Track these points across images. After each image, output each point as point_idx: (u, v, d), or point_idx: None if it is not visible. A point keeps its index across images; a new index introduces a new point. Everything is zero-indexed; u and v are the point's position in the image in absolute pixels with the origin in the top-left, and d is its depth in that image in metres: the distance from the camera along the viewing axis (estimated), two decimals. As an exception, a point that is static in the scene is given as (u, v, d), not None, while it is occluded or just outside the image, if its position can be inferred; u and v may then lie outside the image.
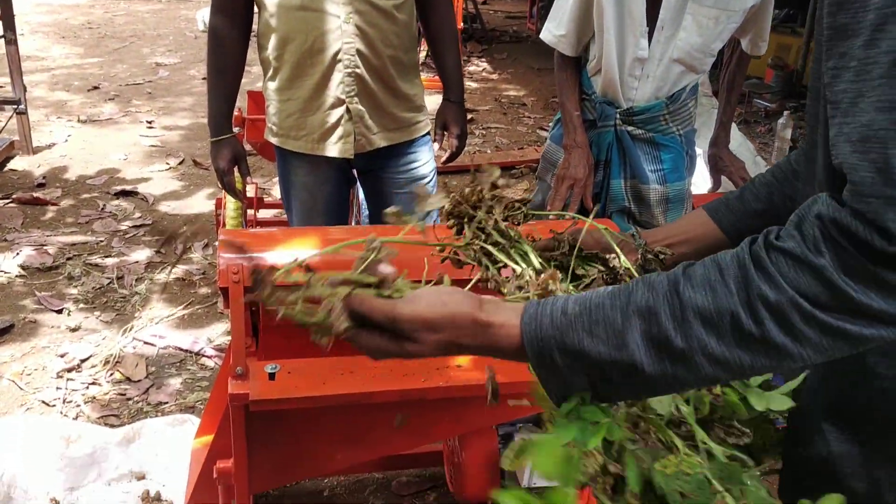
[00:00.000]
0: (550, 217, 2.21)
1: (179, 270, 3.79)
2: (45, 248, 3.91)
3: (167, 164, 5.25)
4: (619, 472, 0.82)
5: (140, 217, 4.40)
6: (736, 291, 0.75)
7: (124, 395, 2.86)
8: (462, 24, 8.22)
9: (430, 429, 2.00)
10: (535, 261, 1.10)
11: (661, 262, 1.15)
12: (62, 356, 3.05)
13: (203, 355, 3.12)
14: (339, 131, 2.26)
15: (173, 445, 2.41)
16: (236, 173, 2.38)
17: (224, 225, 3.21)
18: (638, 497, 0.81)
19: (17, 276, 3.64)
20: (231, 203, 3.18)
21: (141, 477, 2.33)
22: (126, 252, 3.95)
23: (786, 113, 5.42)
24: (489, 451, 2.10)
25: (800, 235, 0.74)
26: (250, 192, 3.51)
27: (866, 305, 0.71)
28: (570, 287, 1.09)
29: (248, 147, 3.01)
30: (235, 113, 3.10)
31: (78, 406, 2.79)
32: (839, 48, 0.75)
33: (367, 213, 2.90)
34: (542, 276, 1.03)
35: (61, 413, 2.74)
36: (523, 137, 6.10)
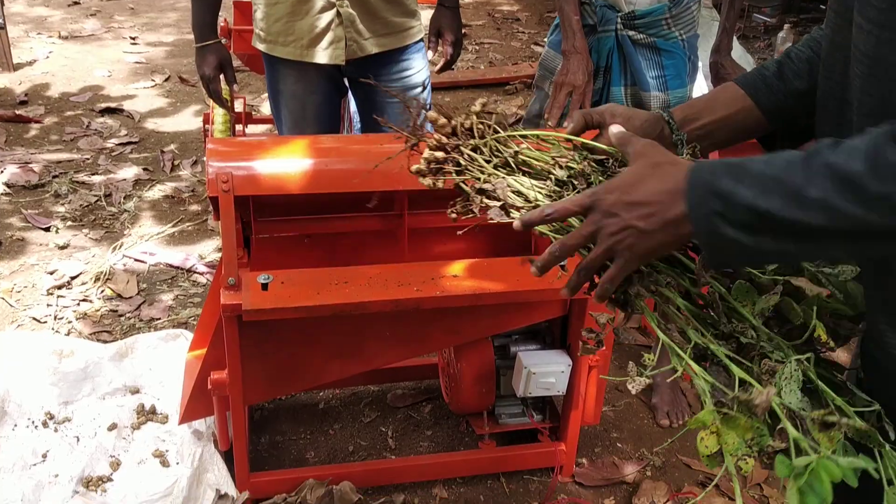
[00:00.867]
0: (548, 125, 2.16)
1: (168, 188, 3.72)
2: (29, 165, 3.82)
3: (152, 80, 5.12)
4: None
5: (126, 134, 4.30)
6: (866, 154, 0.78)
7: (116, 311, 2.84)
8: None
9: (425, 340, 1.99)
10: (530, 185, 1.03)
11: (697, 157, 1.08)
12: (52, 273, 3.01)
13: (194, 272, 3.08)
14: (329, 36, 2.18)
15: (167, 360, 2.40)
16: (223, 82, 2.31)
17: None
18: None
19: (2, 193, 3.57)
20: (219, 114, 3.10)
21: (135, 391, 2.32)
22: (113, 170, 3.88)
23: (786, 27, 5.29)
24: (484, 363, 2.10)
25: None
26: (238, 107, 3.42)
27: None
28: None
29: (236, 63, 2.91)
30: (221, 24, 3.00)
31: (69, 322, 2.77)
32: None
33: (358, 126, 2.83)
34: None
35: (53, 330, 2.72)
36: (517, 53, 5.96)
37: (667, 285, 0.95)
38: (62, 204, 3.52)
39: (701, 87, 2.94)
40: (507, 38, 6.38)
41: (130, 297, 2.91)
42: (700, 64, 2.56)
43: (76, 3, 6.81)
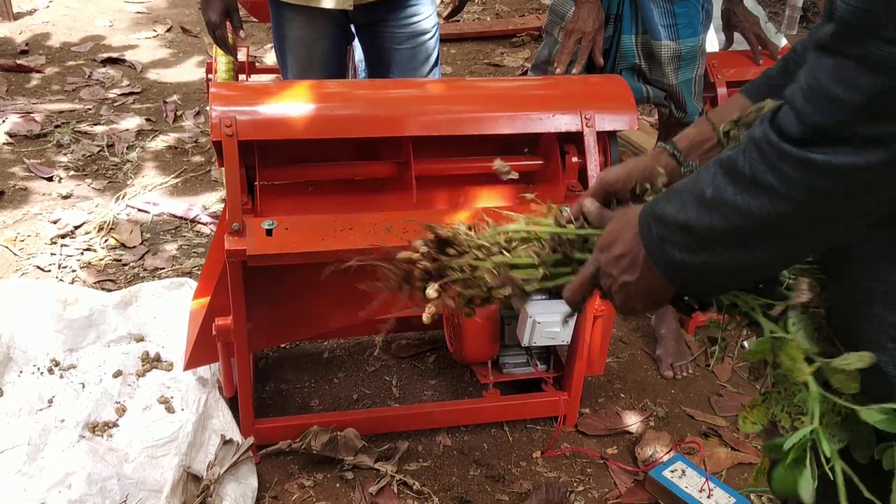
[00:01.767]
0: (556, 72, 2.13)
1: (171, 138, 3.70)
2: (31, 115, 3.79)
3: (154, 31, 5.05)
4: None
5: (128, 85, 4.26)
6: (745, 146, 0.82)
7: (120, 260, 2.83)
8: None
9: (430, 288, 1.97)
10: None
11: None
12: (55, 222, 3.00)
13: (198, 222, 3.07)
14: (334, -21, 2.13)
15: (171, 308, 2.39)
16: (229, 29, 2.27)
17: (215, 88, 3.10)
18: None
19: (4, 143, 3.55)
20: (221, 63, 3.05)
21: (140, 339, 2.32)
22: (115, 120, 3.84)
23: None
24: (488, 313, 2.09)
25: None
26: (241, 56, 3.37)
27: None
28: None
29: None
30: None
31: (73, 271, 2.76)
32: None
33: (363, 75, 2.79)
34: None
35: (57, 278, 2.72)
36: (524, 4, 5.87)
37: None
38: (64, 154, 3.50)
39: (712, 40, 2.90)
40: (514, -11, 6.27)
41: (134, 247, 2.91)
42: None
43: (76, -48, 6.70)
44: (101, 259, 2.83)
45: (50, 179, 3.30)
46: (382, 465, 2.03)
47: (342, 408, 2.25)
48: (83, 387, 2.13)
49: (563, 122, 1.91)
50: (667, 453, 2.14)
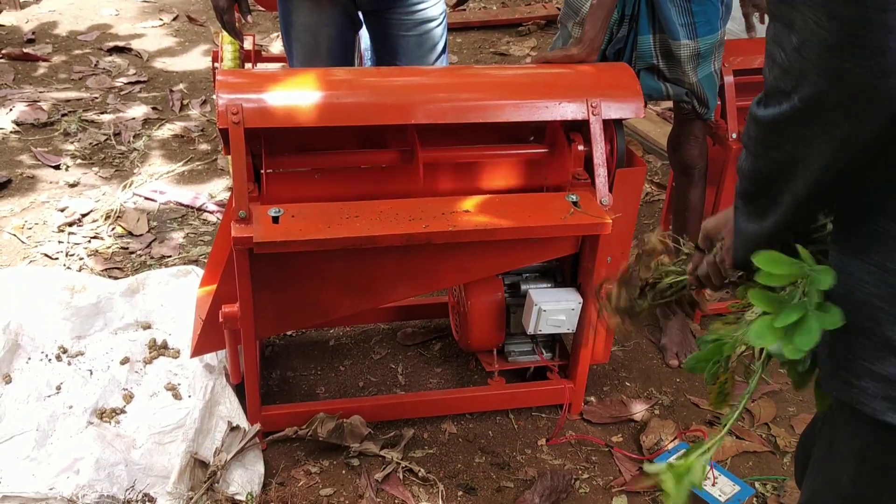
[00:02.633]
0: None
1: (177, 127, 3.70)
2: (38, 103, 3.80)
3: (160, 20, 5.05)
4: None
5: (135, 74, 4.26)
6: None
7: (127, 248, 2.84)
8: None
9: (436, 276, 1.99)
10: None
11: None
12: (62, 210, 3.01)
13: (205, 210, 3.08)
14: (342, -33, 2.13)
15: (178, 296, 2.40)
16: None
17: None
18: None
19: (11, 131, 3.56)
20: (228, 52, 3.05)
21: (147, 326, 2.33)
22: (122, 108, 3.85)
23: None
24: (494, 301, 2.10)
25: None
26: (248, 44, 3.37)
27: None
28: None
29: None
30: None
31: (81, 259, 2.77)
32: None
33: (369, 63, 2.79)
34: None
35: (64, 266, 2.73)
36: (530, -6, 5.85)
37: None
38: (71, 142, 3.51)
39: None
40: (521, -22, 6.24)
41: (141, 235, 2.92)
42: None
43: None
44: (109, 247, 2.84)
45: (57, 168, 3.31)
46: (388, 452, 2.04)
47: (348, 395, 2.26)
48: (91, 373, 2.14)
49: (570, 110, 1.91)
50: (671, 441, 2.15)
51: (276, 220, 1.74)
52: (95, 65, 4.32)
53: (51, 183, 3.21)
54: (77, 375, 2.13)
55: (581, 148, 1.93)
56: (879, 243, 0.90)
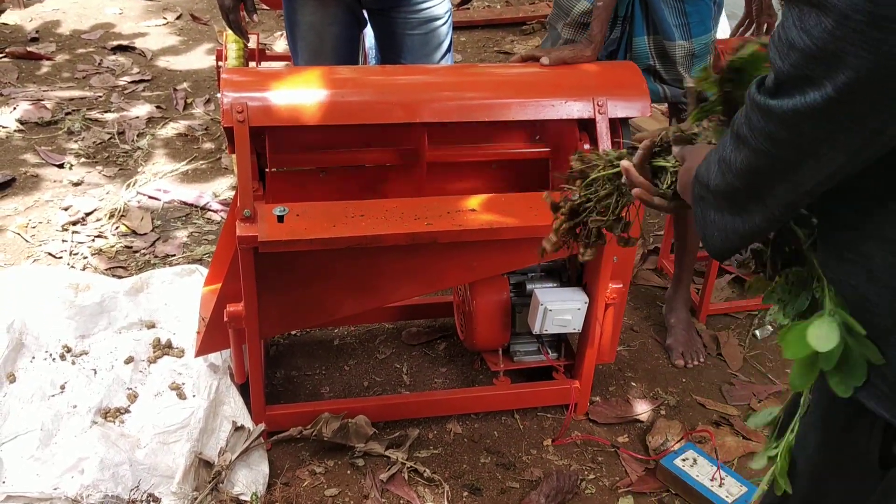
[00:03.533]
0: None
1: (181, 126, 3.70)
2: (42, 102, 3.80)
3: (164, 18, 5.05)
4: None
5: (139, 72, 4.26)
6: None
7: (131, 247, 2.84)
8: None
9: (441, 275, 1.98)
10: None
11: None
12: (66, 209, 3.01)
13: (209, 209, 3.08)
14: (347, -35, 2.12)
15: (182, 295, 2.40)
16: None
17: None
18: None
19: (15, 130, 3.56)
20: (233, 48, 3.04)
21: (151, 325, 2.33)
22: (126, 107, 3.85)
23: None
24: (500, 300, 2.09)
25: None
26: (252, 43, 3.37)
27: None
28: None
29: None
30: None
31: (85, 258, 2.77)
32: None
33: (374, 61, 2.78)
34: None
35: (68, 265, 2.73)
36: (534, -7, 5.84)
37: None
38: (75, 141, 3.51)
39: (724, 27, 2.86)
40: (525, -23, 6.23)
41: (145, 234, 2.91)
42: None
43: (86, -60, 6.69)
44: (112, 246, 2.84)
45: (61, 166, 3.31)
46: (393, 453, 2.03)
47: (353, 395, 2.25)
48: (95, 373, 2.13)
49: (576, 109, 1.90)
50: (678, 442, 2.14)
51: (280, 219, 1.73)
52: (99, 63, 4.32)
53: (54, 182, 3.21)
54: (81, 375, 2.12)
55: (587, 147, 1.92)
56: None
